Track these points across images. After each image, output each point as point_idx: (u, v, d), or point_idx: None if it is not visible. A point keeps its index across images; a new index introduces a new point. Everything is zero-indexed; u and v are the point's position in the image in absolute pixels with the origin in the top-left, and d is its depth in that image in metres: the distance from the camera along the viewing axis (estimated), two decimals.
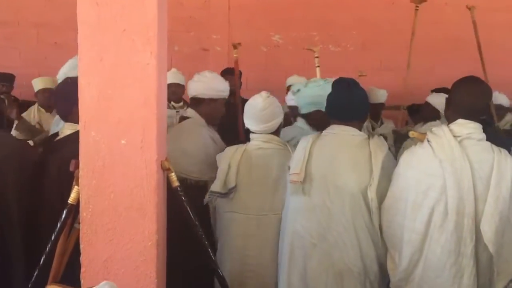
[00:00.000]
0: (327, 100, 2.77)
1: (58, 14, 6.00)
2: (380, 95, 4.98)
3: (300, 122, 3.43)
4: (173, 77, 4.75)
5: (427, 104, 4.34)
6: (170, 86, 4.56)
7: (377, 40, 6.15)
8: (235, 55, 4.20)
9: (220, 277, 2.34)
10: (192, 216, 2.30)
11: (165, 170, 2.22)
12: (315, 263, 2.60)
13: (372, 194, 2.51)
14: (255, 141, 2.91)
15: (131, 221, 2.10)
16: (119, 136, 2.08)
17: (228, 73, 5.05)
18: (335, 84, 2.76)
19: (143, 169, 2.09)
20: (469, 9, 4.41)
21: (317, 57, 4.19)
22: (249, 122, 2.93)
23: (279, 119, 2.94)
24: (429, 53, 6.06)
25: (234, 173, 2.82)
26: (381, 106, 5.02)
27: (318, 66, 4.15)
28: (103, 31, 2.05)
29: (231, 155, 2.88)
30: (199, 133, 3.26)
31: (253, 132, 2.94)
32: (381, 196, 2.53)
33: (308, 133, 3.09)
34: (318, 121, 3.20)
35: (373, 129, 4.67)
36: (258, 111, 2.87)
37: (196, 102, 3.34)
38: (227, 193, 2.81)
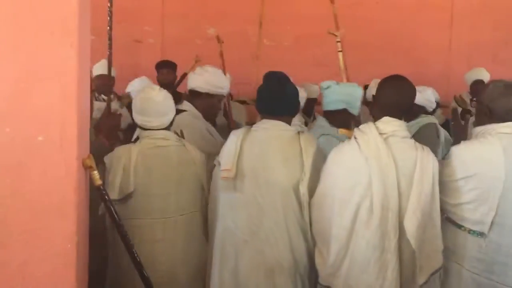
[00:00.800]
0: (257, 94, 2.72)
1: None
2: (313, 90, 5.01)
3: (320, 120, 3.38)
4: (103, 69, 4.56)
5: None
6: (99, 78, 4.46)
7: (311, 35, 6.20)
8: (220, 49, 4.08)
9: (145, 278, 2.27)
10: (116, 215, 2.22)
11: (87, 168, 2.13)
12: (247, 260, 2.58)
13: (303, 189, 2.51)
14: (149, 139, 2.70)
15: (49, 222, 2.01)
16: (36, 133, 1.98)
17: (163, 66, 4.95)
18: (266, 79, 2.72)
19: (62, 167, 2.00)
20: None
21: (338, 41, 4.12)
22: (144, 118, 2.70)
23: (173, 113, 2.81)
24: (360, 50, 6.19)
25: (131, 177, 2.59)
26: (314, 101, 5.06)
27: (341, 51, 4.07)
28: (18, 21, 1.93)
29: (124, 157, 2.63)
30: (195, 125, 3.19)
31: (144, 129, 2.73)
32: (312, 191, 2.53)
33: (329, 131, 3.07)
34: (342, 121, 3.17)
35: (306, 124, 4.69)
36: (155, 105, 2.70)
37: (194, 95, 3.30)
38: (124, 199, 2.60)
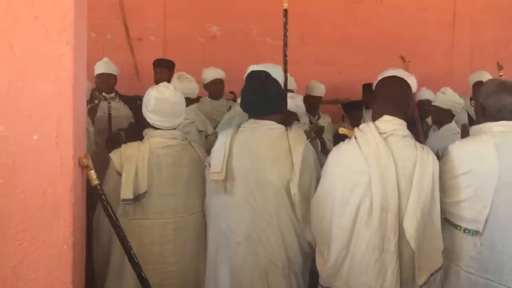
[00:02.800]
0: (241, 95, 2.69)
1: None
2: (318, 88, 5.01)
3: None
4: (105, 67, 4.57)
5: (436, 108, 4.35)
6: (101, 76, 4.44)
7: (314, 34, 6.16)
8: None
9: (143, 280, 2.23)
10: (113, 216, 2.18)
11: (84, 167, 2.09)
12: (240, 261, 2.56)
13: (294, 188, 2.49)
14: (160, 138, 2.68)
15: (44, 222, 1.97)
16: (31, 131, 1.94)
17: (159, 65, 4.92)
18: (248, 79, 2.69)
19: (57, 166, 1.96)
20: None
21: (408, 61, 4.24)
22: (158, 118, 2.67)
23: (184, 114, 2.81)
24: (362, 49, 6.16)
25: (145, 177, 2.56)
26: (318, 99, 5.04)
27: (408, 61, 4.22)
28: (13, 17, 1.90)
29: (135, 157, 2.58)
30: None
31: (156, 128, 2.70)
32: (303, 189, 2.52)
33: None
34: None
35: (311, 122, 4.66)
36: (171, 105, 2.67)
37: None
38: (137, 198, 2.56)
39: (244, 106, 2.68)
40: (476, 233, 2.33)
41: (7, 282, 1.95)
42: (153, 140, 2.66)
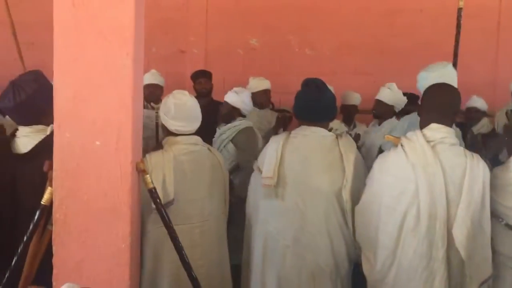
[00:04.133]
0: (295, 100, 2.76)
1: (34, 14, 5.93)
2: (354, 98, 5.05)
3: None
4: (152, 78, 4.75)
5: (380, 102, 4.35)
6: (149, 87, 4.59)
7: (352, 44, 6.21)
8: None
9: (194, 280, 2.33)
10: (166, 217, 2.29)
11: (140, 171, 2.21)
12: (289, 265, 2.62)
13: (346, 195, 2.54)
14: (182, 144, 2.70)
15: (105, 223, 2.09)
16: (94, 137, 2.07)
17: (201, 76, 5.07)
18: (303, 86, 2.77)
19: (117, 170, 2.08)
20: None
21: None
22: (179, 123, 2.68)
23: (201, 118, 2.81)
24: (402, 58, 6.15)
25: (172, 185, 2.56)
26: (354, 108, 5.08)
27: None
28: (79, 32, 2.04)
29: (160, 166, 2.57)
30: None
31: (176, 135, 2.72)
32: (355, 196, 2.56)
33: None
34: None
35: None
36: (189, 110, 2.71)
37: None
38: (165, 206, 2.49)
39: (297, 112, 2.75)
40: None
41: (71, 276, 2.07)
42: (175, 148, 2.68)
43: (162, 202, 2.48)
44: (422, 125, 2.44)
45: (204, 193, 2.72)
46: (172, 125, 2.70)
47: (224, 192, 2.86)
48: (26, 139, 2.41)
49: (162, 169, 2.56)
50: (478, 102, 5.00)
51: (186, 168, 2.67)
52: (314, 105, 2.70)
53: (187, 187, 2.65)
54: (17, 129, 2.48)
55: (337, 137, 2.68)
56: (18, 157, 2.38)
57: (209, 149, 2.84)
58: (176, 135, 2.72)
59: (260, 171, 2.70)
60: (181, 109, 2.69)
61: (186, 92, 2.79)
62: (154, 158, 2.60)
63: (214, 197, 2.77)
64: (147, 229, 2.53)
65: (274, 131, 4.20)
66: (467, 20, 6.16)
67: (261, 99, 4.79)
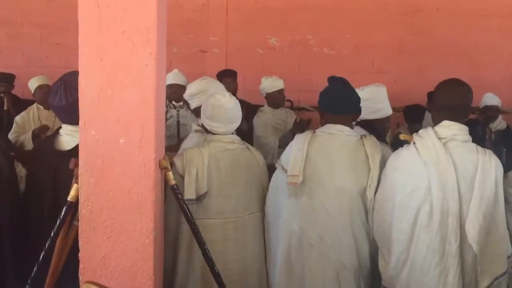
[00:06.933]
0: (322, 95, 2.79)
1: (60, 15, 6.07)
2: None
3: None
4: (175, 78, 4.81)
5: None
6: (172, 86, 4.67)
7: (370, 43, 6.22)
8: None
9: (216, 275, 2.37)
10: (189, 214, 2.33)
11: (163, 169, 2.25)
12: (313, 263, 2.63)
13: (371, 194, 2.56)
14: (219, 142, 2.80)
15: (129, 218, 2.14)
16: (118, 135, 2.11)
17: (224, 75, 5.12)
18: (331, 81, 2.81)
19: (141, 167, 2.12)
20: None
21: None
22: (216, 124, 2.80)
23: (240, 119, 2.92)
24: (421, 57, 6.15)
25: (205, 179, 2.68)
26: None
27: None
28: (103, 33, 2.09)
29: (196, 160, 2.70)
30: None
31: (214, 134, 2.82)
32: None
33: None
34: None
35: None
36: (226, 112, 2.80)
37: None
38: (198, 199, 2.68)
39: (324, 105, 2.78)
40: None
41: (97, 271, 2.14)
42: (212, 145, 2.79)
43: (195, 195, 2.63)
44: (435, 123, 2.46)
45: (239, 189, 2.79)
46: (207, 125, 2.84)
47: (262, 190, 2.90)
48: (69, 138, 2.56)
49: (196, 164, 2.68)
50: (494, 100, 4.98)
51: (222, 165, 2.75)
52: (342, 95, 2.73)
53: (221, 183, 2.73)
54: (60, 127, 2.63)
55: (361, 137, 2.70)
56: (60, 154, 2.50)
57: (248, 148, 2.92)
58: (212, 133, 2.82)
59: (283, 169, 2.71)
60: (217, 111, 2.78)
61: (227, 94, 2.87)
62: (189, 154, 2.73)
63: (250, 194, 2.83)
64: (181, 221, 2.63)
65: (292, 134, 4.22)
66: (484, 19, 6.18)
67: (276, 100, 4.84)
